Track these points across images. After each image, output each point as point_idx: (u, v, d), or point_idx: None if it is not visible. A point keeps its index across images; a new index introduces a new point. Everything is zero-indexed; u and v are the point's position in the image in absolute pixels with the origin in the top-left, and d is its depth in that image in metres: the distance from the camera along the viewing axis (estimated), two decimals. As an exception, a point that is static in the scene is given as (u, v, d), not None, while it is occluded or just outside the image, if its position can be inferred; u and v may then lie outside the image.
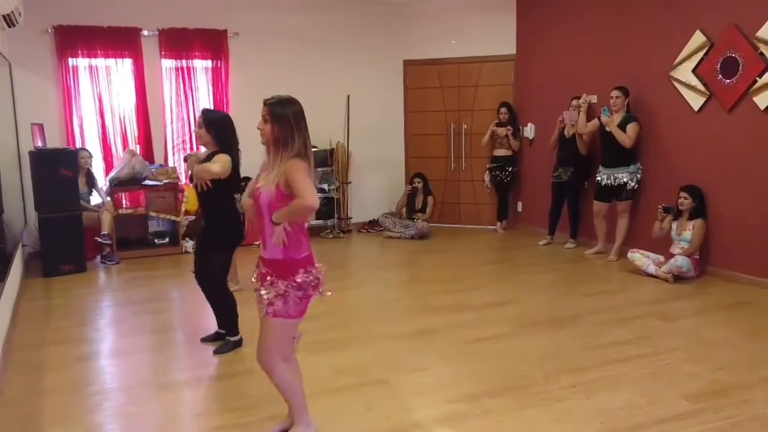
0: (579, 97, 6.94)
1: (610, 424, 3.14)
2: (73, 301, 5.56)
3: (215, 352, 4.23)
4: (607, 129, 6.40)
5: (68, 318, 5.10)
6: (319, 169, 8.27)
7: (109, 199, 7.05)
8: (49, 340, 4.55)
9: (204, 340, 4.46)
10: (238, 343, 4.28)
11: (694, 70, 5.92)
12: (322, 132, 7.78)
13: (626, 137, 6.28)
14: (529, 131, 8.17)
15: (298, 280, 2.77)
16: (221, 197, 4.13)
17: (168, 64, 7.51)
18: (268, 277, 2.79)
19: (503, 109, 8.13)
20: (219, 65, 7.69)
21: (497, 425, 3.18)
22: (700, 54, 5.84)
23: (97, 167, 7.26)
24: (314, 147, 7.83)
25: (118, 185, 7.05)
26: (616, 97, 6.38)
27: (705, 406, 3.33)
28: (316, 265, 2.88)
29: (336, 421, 3.24)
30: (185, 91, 7.58)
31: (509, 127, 8.08)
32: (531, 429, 3.13)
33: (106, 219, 6.78)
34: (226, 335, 4.31)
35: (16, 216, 6.58)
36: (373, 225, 8.63)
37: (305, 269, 2.80)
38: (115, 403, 3.57)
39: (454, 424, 3.21)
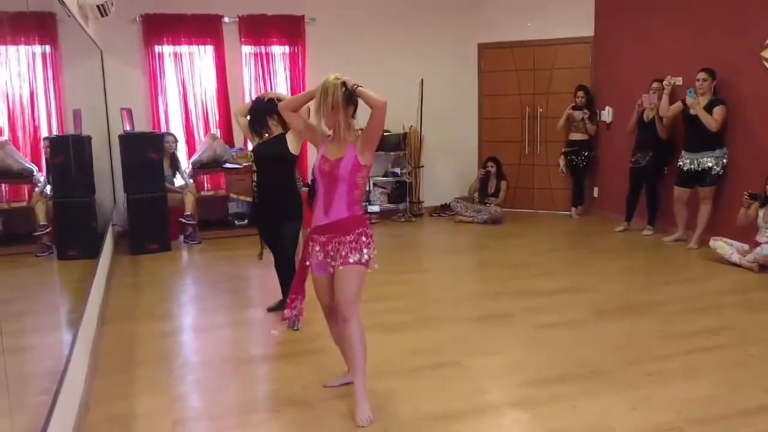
0: (660, 80, 6.73)
1: (689, 414, 3.09)
2: (159, 279, 5.85)
3: (290, 328, 4.37)
4: (692, 112, 6.18)
5: (155, 294, 5.37)
6: (392, 153, 8.34)
7: (191, 181, 7.34)
8: (138, 314, 4.82)
9: (270, 309, 4.75)
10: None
11: (787, 50, 5.64)
12: (395, 116, 7.79)
13: (712, 120, 6.05)
14: (606, 115, 7.97)
15: (360, 230, 3.10)
16: (294, 171, 4.56)
17: (247, 50, 7.73)
18: (335, 239, 3.10)
19: (580, 93, 7.96)
20: (296, 51, 7.84)
21: (571, 410, 3.18)
22: (794, 33, 5.56)
23: (180, 150, 7.55)
24: (387, 131, 7.95)
25: (200, 168, 7.33)
26: (703, 79, 6.13)
27: (790, 400, 3.23)
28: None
29: (410, 400, 3.31)
30: (264, 77, 7.78)
31: (586, 111, 7.91)
32: (605, 415, 3.11)
33: (189, 200, 7.06)
34: None
35: (107, 196, 6.94)
36: (444, 209, 8.64)
37: (364, 223, 3.16)
38: (198, 375, 3.76)
39: (528, 407, 3.22)
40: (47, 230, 4.00)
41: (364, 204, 3.24)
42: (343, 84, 2.96)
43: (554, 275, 5.69)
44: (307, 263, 3.25)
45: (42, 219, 4.08)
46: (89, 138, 5.34)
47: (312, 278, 3.26)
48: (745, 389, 3.36)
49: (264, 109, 4.40)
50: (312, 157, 7.46)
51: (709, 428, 2.97)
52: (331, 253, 3.11)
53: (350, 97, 2.99)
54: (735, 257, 5.69)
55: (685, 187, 6.49)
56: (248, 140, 7.71)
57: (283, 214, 4.43)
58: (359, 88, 2.97)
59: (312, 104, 3.09)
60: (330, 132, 3.11)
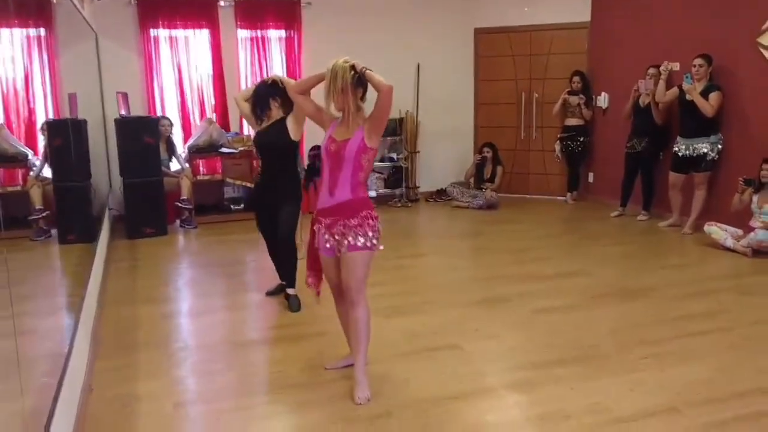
0: (656, 66, 6.74)
1: (687, 396, 3.13)
2: (156, 263, 5.85)
3: (293, 311, 4.44)
4: (688, 97, 6.20)
5: (152, 278, 5.38)
6: (388, 138, 8.34)
7: (188, 165, 7.32)
8: (136, 298, 4.83)
9: (269, 293, 4.78)
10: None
11: (783, 36, 5.66)
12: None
13: (709, 106, 6.07)
14: (602, 100, 7.99)
15: (365, 213, 3.12)
16: (296, 156, 4.57)
17: (243, 34, 7.69)
18: (339, 222, 3.11)
19: (576, 78, 7.97)
20: (292, 35, 7.80)
21: (569, 392, 3.22)
22: (791, 19, 5.57)
23: (176, 134, 7.52)
24: (384, 116, 7.94)
25: (196, 152, 7.31)
26: (699, 65, 6.15)
27: (786, 382, 3.28)
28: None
29: (411, 383, 3.35)
30: (260, 61, 7.74)
31: (581, 96, 7.93)
32: (603, 398, 3.15)
33: (186, 185, 7.04)
34: (286, 287, 4.58)
35: (102, 180, 6.93)
36: (440, 194, 8.66)
37: (369, 206, 3.17)
38: (199, 358, 3.78)
39: (526, 390, 3.26)
40: (44, 214, 4.01)
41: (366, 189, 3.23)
42: (352, 67, 2.97)
43: (550, 260, 5.73)
44: (312, 245, 3.30)
45: (38, 203, 4.08)
46: (85, 122, 5.32)
47: (320, 258, 3.29)
48: (741, 372, 3.41)
49: (267, 92, 4.37)
50: (309, 141, 7.51)
51: (706, 409, 3.02)
52: (337, 237, 3.13)
53: (359, 80, 3.00)
54: (729, 242, 5.74)
55: (680, 173, 6.52)
56: (246, 125, 7.76)
57: (282, 198, 4.44)
58: (368, 71, 2.99)
59: (321, 87, 3.09)
60: (339, 115, 3.12)
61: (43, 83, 4.19)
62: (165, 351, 3.87)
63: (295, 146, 4.46)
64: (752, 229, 5.66)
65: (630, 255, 5.91)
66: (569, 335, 3.95)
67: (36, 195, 4.14)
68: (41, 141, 4.26)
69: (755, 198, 5.71)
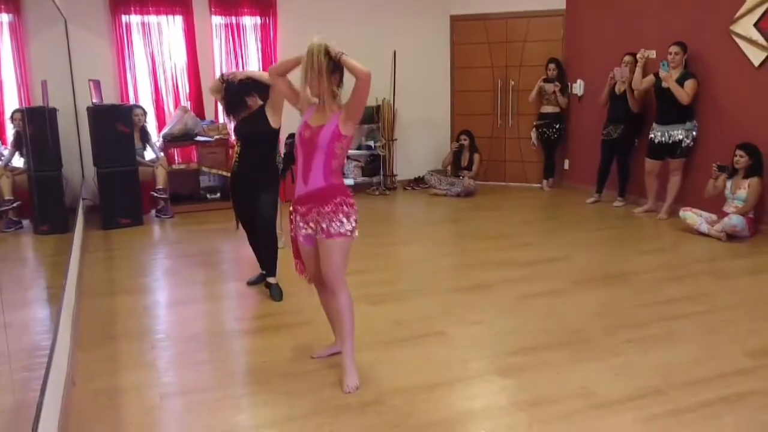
0: (632, 54, 6.80)
1: (671, 379, 3.18)
2: (133, 253, 5.76)
3: (275, 300, 4.40)
4: (665, 85, 6.27)
5: (130, 269, 5.30)
6: (365, 126, 8.30)
7: (162, 154, 7.19)
8: (114, 289, 4.74)
9: (250, 283, 4.73)
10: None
11: (756, 24, 5.73)
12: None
13: (684, 93, 6.14)
14: (578, 88, 8.04)
15: (339, 199, 3.05)
16: (276, 144, 4.55)
17: (218, 20, 7.55)
18: (313, 210, 3.08)
19: (552, 65, 8.01)
20: (267, 22, 7.69)
21: (556, 377, 3.24)
22: (764, 7, 5.64)
23: (150, 123, 7.37)
24: (361, 104, 7.89)
25: (171, 141, 7.19)
26: (675, 53, 6.21)
27: (766, 362, 3.34)
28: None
29: (399, 370, 3.34)
30: (234, 49, 7.62)
31: (557, 83, 7.97)
32: (590, 381, 3.18)
33: (161, 174, 6.93)
34: (267, 276, 4.54)
35: (75, 170, 6.77)
36: (418, 182, 8.66)
37: (344, 192, 3.11)
38: (182, 349, 3.73)
39: (514, 375, 3.28)
40: (14, 205, 3.91)
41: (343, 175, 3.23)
42: (327, 52, 2.91)
43: (530, 246, 5.77)
44: (292, 234, 3.28)
45: (7, 194, 3.98)
46: (56, 110, 5.18)
47: (300, 248, 3.27)
48: (722, 353, 3.47)
49: (239, 92, 4.28)
50: (286, 130, 7.41)
51: (691, 391, 3.06)
52: (312, 225, 3.11)
53: (335, 65, 2.94)
54: (704, 227, 5.83)
55: (655, 159, 6.60)
56: (223, 113, 7.63)
57: (261, 187, 4.37)
58: (344, 56, 2.92)
59: (298, 70, 3.03)
60: (316, 101, 3.08)
61: (15, 70, 4.08)
62: (147, 341, 3.81)
63: (276, 134, 4.40)
64: (726, 214, 5.75)
65: (608, 240, 5.98)
66: (553, 320, 3.99)
67: (5, 185, 4.03)
68: (10, 130, 4.15)
69: (729, 183, 5.81)
